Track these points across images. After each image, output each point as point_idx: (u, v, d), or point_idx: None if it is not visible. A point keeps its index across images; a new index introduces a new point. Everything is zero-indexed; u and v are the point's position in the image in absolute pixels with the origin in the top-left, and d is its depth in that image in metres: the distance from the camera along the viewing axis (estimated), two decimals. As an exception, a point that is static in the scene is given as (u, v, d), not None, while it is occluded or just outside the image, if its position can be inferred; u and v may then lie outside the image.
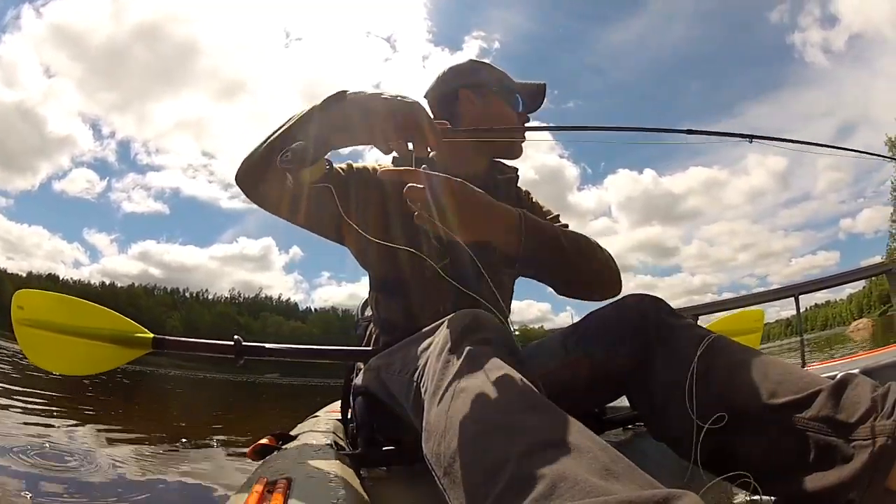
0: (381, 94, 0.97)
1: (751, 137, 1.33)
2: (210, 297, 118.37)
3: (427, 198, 0.98)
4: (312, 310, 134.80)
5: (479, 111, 1.36)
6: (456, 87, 1.38)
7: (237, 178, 1.15)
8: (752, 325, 1.98)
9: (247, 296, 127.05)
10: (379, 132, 0.95)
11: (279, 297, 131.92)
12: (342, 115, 0.99)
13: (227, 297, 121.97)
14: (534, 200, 1.50)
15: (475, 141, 1.34)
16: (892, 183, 40.63)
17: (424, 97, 1.44)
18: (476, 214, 1.05)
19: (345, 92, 1.00)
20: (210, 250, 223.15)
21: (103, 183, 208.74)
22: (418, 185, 0.98)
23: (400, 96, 0.96)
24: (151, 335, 1.43)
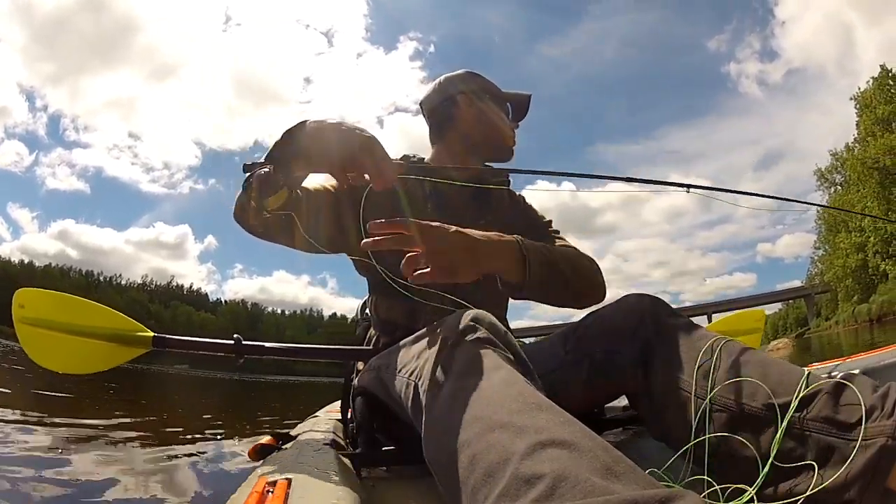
0: (341, 124, 0.95)
1: (688, 187, 1.30)
2: (123, 282, 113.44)
3: (425, 254, 0.93)
4: (223, 301, 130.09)
5: (474, 116, 1.36)
6: (454, 93, 1.39)
7: (234, 216, 1.13)
8: (753, 325, 1.93)
9: (158, 283, 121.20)
10: (335, 164, 0.93)
11: (190, 287, 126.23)
12: (301, 145, 0.96)
13: (139, 284, 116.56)
14: (526, 202, 1.49)
15: (470, 145, 1.36)
16: (818, 211, 41.50)
17: (420, 104, 1.46)
18: (476, 256, 1.01)
19: (305, 122, 0.97)
20: (126, 234, 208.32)
21: (31, 157, 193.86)
22: (414, 250, 0.93)
23: (358, 129, 0.93)
24: (151, 334, 1.37)
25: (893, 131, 31.74)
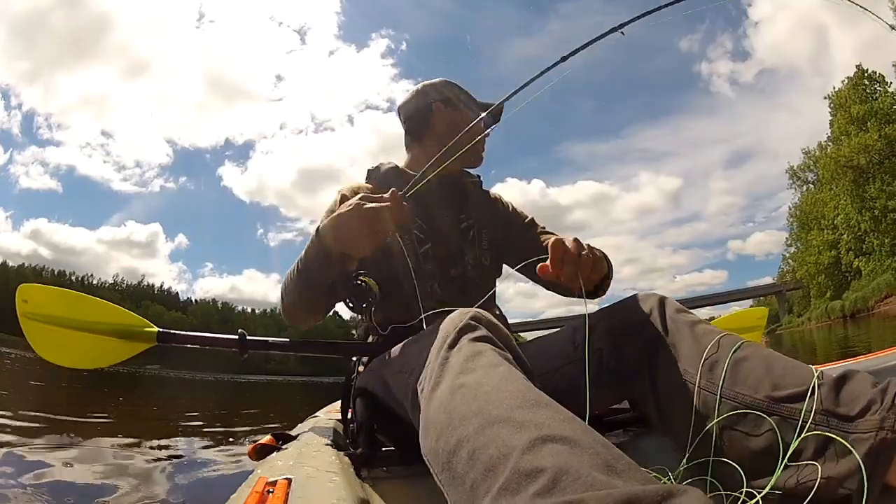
0: (340, 212, 1.07)
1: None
2: (95, 282, 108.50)
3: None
4: (193, 300, 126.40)
5: (448, 122, 1.42)
6: (430, 101, 1.45)
7: (288, 321, 1.27)
8: (755, 322, 1.95)
9: (130, 282, 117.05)
10: (363, 240, 1.05)
11: (161, 286, 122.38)
12: (330, 249, 1.09)
13: (111, 283, 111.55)
14: (504, 202, 1.53)
15: (444, 153, 1.37)
16: (790, 209, 42.35)
17: (398, 109, 1.52)
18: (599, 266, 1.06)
19: (317, 229, 1.11)
20: (98, 233, 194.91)
21: (6, 155, 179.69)
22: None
23: (352, 203, 1.06)
24: (156, 329, 1.36)
25: (868, 130, 32.29)
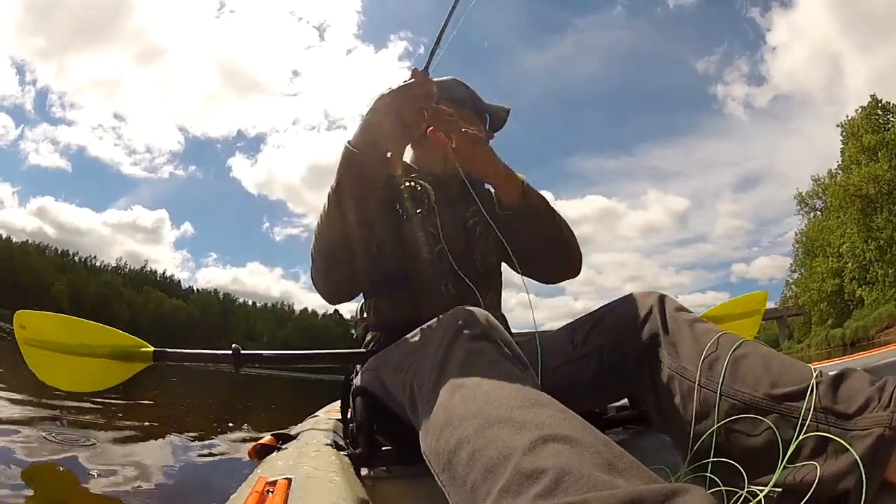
0: (368, 111, 1.03)
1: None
2: (98, 264, 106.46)
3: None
4: (195, 290, 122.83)
5: None
6: (438, 97, 1.41)
7: (326, 289, 1.18)
8: (756, 306, 1.91)
9: (132, 267, 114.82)
10: (400, 126, 1.01)
11: (163, 273, 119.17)
12: (367, 152, 1.02)
13: (113, 267, 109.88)
14: None
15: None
16: (796, 234, 42.33)
17: None
18: (492, 158, 1.17)
19: (346, 144, 1.04)
20: (104, 215, 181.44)
21: (17, 130, 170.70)
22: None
23: (376, 101, 1.02)
24: (152, 349, 1.39)
25: (878, 160, 32.13)
